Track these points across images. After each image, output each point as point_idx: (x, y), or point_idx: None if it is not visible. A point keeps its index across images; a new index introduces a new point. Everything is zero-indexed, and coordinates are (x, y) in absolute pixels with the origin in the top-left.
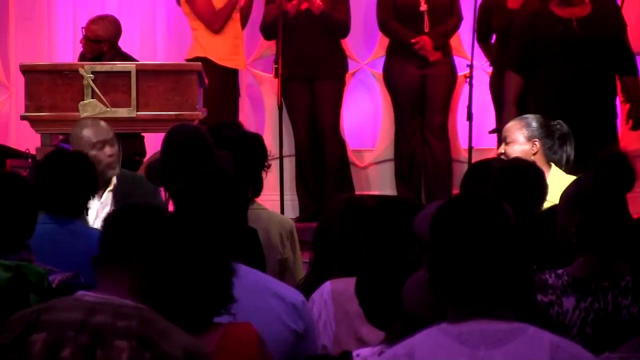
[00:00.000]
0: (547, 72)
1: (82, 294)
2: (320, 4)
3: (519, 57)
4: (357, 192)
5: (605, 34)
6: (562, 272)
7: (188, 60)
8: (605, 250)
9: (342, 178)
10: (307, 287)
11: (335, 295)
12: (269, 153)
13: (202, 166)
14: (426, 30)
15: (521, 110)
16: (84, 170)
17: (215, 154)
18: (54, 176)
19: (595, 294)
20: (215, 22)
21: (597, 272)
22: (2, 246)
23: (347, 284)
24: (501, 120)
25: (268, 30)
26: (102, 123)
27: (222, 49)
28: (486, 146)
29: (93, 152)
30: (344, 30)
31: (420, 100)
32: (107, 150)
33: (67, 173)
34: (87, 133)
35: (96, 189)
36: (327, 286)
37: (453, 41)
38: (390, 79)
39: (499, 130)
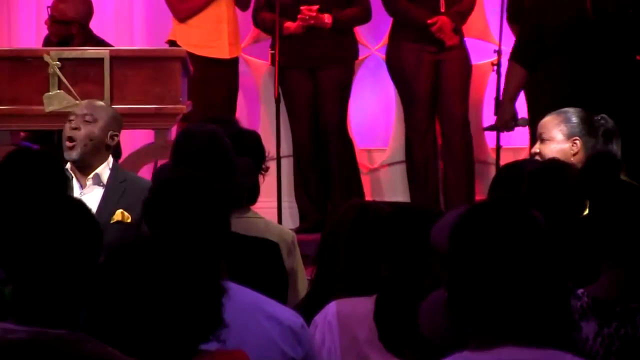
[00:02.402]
0: (558, 65)
1: (2, 328)
2: (329, 20)
3: (524, 47)
4: (367, 198)
5: (623, 13)
6: (582, 292)
7: (166, 43)
8: (631, 264)
9: (349, 182)
10: (308, 307)
11: (341, 317)
12: (266, 153)
13: (217, 173)
14: (442, 10)
15: (532, 108)
16: (51, 171)
17: (233, 159)
18: (16, 179)
19: (621, 318)
20: (180, 11)
21: (623, 291)
22: None
23: (354, 305)
24: (497, 118)
25: (261, 20)
26: (97, 102)
27: (195, 35)
28: (517, 145)
29: (65, 125)
30: (364, 21)
31: (435, 91)
32: (73, 122)
33: (31, 175)
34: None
35: (64, 191)
36: (331, 307)
37: (478, 23)
38: (398, 68)
39: (494, 127)
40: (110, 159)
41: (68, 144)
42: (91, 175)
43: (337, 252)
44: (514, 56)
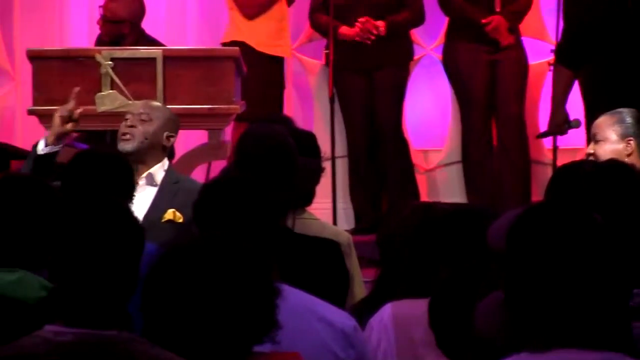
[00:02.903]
0: (600, 64)
1: (51, 331)
2: (383, 29)
3: (566, 48)
4: (423, 199)
5: None
6: (637, 291)
7: (224, 44)
8: None
9: (404, 183)
10: (368, 309)
11: (396, 319)
12: (322, 154)
13: (281, 175)
14: (498, 9)
15: (585, 108)
16: (120, 174)
17: (297, 161)
18: (86, 182)
19: None
20: (249, 7)
21: None
22: (24, 261)
23: (410, 307)
24: (549, 123)
25: (317, 23)
26: (154, 103)
27: (263, 33)
28: (574, 145)
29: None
30: (417, 24)
31: (491, 91)
32: (129, 121)
33: (101, 178)
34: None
35: (133, 194)
36: (387, 309)
37: (534, 22)
38: (454, 68)
39: (547, 134)
40: (166, 161)
41: (123, 137)
42: (144, 175)
43: (402, 253)
44: (557, 58)
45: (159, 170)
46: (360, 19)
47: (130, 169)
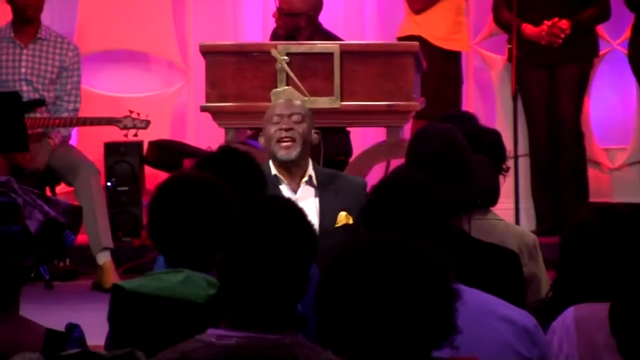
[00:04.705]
0: None
1: (214, 334)
2: (568, 29)
3: None
4: (607, 199)
5: None
6: None
7: (400, 38)
8: None
9: (575, 182)
10: (547, 312)
11: (579, 323)
12: (507, 153)
13: (452, 174)
14: None
15: None
16: (247, 176)
17: (469, 159)
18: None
19: None
20: (416, 2)
21: None
22: (194, 261)
23: (593, 310)
24: None
25: (500, 18)
26: (297, 101)
27: (440, 27)
28: None
29: (269, 127)
30: (603, 20)
31: None
32: (283, 123)
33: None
34: (274, 107)
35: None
36: (569, 312)
37: None
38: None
39: None
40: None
41: (286, 143)
42: (305, 178)
43: (582, 257)
44: None
45: (312, 171)
46: (547, 22)
47: (260, 169)
